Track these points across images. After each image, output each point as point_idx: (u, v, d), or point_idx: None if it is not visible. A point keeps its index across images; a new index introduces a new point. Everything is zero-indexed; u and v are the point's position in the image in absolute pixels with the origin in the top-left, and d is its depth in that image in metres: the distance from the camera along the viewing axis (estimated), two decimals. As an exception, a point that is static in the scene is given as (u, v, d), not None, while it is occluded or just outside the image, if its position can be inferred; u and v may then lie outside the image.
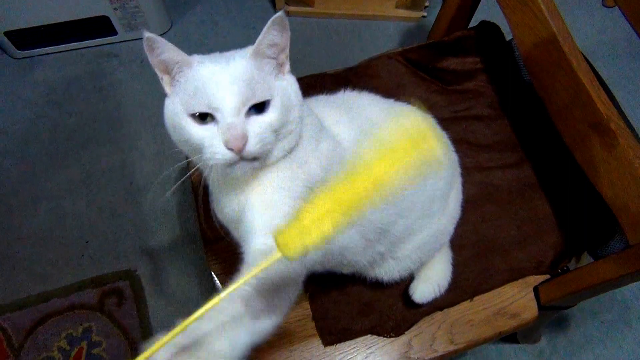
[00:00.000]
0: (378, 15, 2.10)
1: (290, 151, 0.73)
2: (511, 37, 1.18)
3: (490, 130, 1.23)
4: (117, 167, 1.77)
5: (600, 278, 0.93)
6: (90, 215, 1.69)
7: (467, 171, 1.16)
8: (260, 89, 0.67)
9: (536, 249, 1.10)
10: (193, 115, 0.67)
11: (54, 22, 1.88)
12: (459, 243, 1.08)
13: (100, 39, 2.00)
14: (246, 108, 0.66)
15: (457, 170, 1.04)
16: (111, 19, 1.91)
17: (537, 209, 1.14)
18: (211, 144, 0.66)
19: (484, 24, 1.30)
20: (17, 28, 1.86)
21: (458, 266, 1.07)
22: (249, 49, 0.69)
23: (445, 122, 1.19)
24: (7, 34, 1.87)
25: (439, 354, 1.01)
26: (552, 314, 1.26)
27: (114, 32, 1.97)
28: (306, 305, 1.04)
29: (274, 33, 0.67)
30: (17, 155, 1.80)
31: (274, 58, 0.70)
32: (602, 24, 2.13)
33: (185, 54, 0.69)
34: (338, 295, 1.04)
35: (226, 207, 0.75)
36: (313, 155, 0.75)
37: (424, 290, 1.00)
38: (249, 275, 0.51)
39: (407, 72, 1.27)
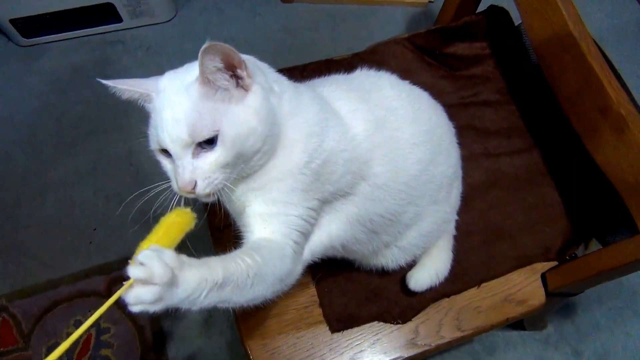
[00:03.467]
0: (385, 1, 2.08)
1: (271, 159, 0.72)
2: (520, 22, 1.17)
3: (498, 116, 1.22)
4: (123, 155, 1.77)
5: (608, 265, 0.92)
6: (97, 203, 1.70)
7: (475, 157, 1.16)
8: (206, 125, 0.64)
9: (544, 236, 1.09)
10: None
11: (59, 10, 1.87)
12: (466, 229, 1.08)
13: (105, 27, 1.99)
14: (192, 147, 0.65)
15: (460, 161, 1.03)
16: (116, 6, 1.90)
17: (545, 196, 1.13)
18: (172, 178, 0.70)
19: (493, 8, 1.28)
20: (22, 16, 1.86)
21: (465, 253, 1.06)
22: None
23: (453, 108, 1.18)
24: (13, 21, 1.86)
25: (446, 340, 1.01)
26: (560, 301, 1.26)
27: (119, 19, 1.96)
28: (313, 292, 1.04)
29: (209, 62, 0.63)
30: (24, 144, 1.80)
31: (226, 81, 0.66)
32: (612, 8, 2.09)
33: (149, 83, 0.70)
34: (345, 282, 1.04)
35: (231, 201, 0.75)
36: (311, 155, 0.73)
37: (420, 278, 1.00)
38: (106, 305, 0.55)
39: (414, 57, 1.26)
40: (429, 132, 0.88)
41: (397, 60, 1.25)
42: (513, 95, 1.25)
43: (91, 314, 0.54)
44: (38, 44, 1.99)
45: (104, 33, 2.01)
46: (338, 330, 1.01)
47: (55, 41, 1.99)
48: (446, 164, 0.92)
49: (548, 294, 1.05)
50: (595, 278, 0.98)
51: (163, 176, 0.73)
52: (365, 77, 0.90)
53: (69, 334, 1.53)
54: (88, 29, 1.99)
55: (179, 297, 0.57)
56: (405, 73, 1.22)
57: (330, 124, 0.75)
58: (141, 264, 0.54)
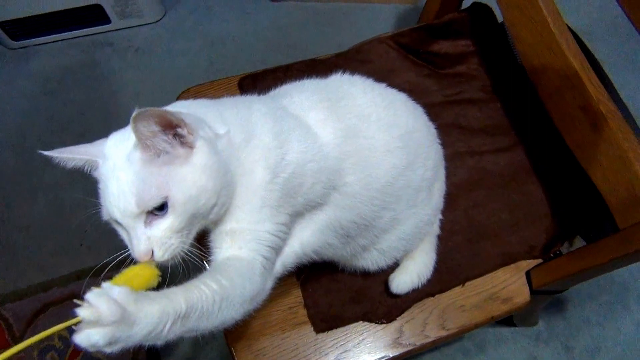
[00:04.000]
0: (373, -1, 2.07)
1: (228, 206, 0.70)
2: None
3: (482, 114, 1.22)
4: (113, 156, 1.77)
5: (591, 262, 0.92)
6: (88, 205, 1.69)
7: (459, 156, 1.15)
8: (153, 193, 0.62)
9: (528, 234, 1.09)
10: None
11: (47, 12, 1.87)
12: (450, 228, 1.08)
13: (94, 28, 1.99)
14: (143, 216, 0.63)
15: (442, 162, 1.03)
16: (104, 7, 1.90)
17: (530, 193, 1.13)
18: (130, 249, 0.67)
19: (476, 5, 1.28)
20: (11, 18, 1.86)
21: (449, 252, 1.06)
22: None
23: (437, 107, 1.18)
24: (1, 24, 1.87)
25: (431, 339, 1.01)
26: (545, 299, 1.26)
27: (107, 20, 1.96)
28: (298, 292, 1.04)
29: (144, 128, 0.60)
30: (15, 145, 1.80)
31: (167, 143, 0.63)
32: (601, 2, 2.09)
33: (94, 149, 0.68)
34: (329, 282, 1.04)
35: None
36: (274, 170, 0.71)
37: (401, 281, 0.99)
38: (43, 334, 0.53)
39: (398, 56, 1.26)
40: (405, 137, 0.86)
41: (381, 59, 1.25)
42: (497, 93, 1.25)
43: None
44: (27, 46, 1.99)
45: (93, 34, 2.01)
46: (323, 331, 1.01)
47: (45, 43, 1.99)
48: (424, 167, 0.91)
49: (533, 291, 1.05)
50: (579, 275, 0.97)
51: (123, 245, 0.70)
52: (338, 84, 0.88)
53: (61, 336, 1.52)
54: (77, 31, 1.98)
55: (140, 335, 0.54)
56: (389, 72, 1.23)
57: (291, 136, 0.73)
58: (88, 303, 0.51)
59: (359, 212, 0.83)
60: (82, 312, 0.50)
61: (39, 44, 1.99)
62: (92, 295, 0.51)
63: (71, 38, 2.00)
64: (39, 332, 1.49)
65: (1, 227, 1.67)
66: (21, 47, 1.99)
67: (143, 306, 0.54)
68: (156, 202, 0.62)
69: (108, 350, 0.52)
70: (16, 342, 1.46)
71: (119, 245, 1.68)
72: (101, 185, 0.67)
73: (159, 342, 0.57)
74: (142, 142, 0.61)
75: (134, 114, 0.57)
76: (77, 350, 1.47)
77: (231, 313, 0.66)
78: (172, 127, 0.62)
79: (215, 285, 0.63)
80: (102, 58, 1.97)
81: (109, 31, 2.01)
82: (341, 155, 0.78)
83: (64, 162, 0.68)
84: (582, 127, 0.92)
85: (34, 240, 1.65)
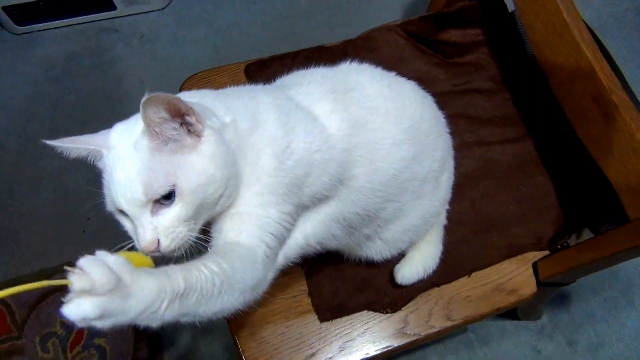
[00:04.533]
0: (382, -13, 2.05)
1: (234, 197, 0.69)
2: (514, 8, 1.15)
3: (491, 104, 1.20)
4: (117, 144, 1.76)
5: (599, 254, 0.91)
6: (91, 192, 1.69)
7: (467, 146, 1.14)
8: (161, 181, 0.61)
9: (536, 225, 1.08)
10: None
11: (52, -3, 1.86)
12: (457, 219, 1.07)
13: (100, 14, 1.97)
14: (150, 205, 0.62)
15: (450, 152, 1.02)
16: (110, -7, 1.88)
17: (538, 185, 1.12)
18: (135, 239, 0.65)
19: (487, -6, 1.26)
20: (15, 3, 1.84)
21: (455, 242, 1.05)
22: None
23: (445, 96, 1.17)
24: (5, 9, 1.85)
25: (436, 329, 1.01)
26: (552, 291, 1.25)
27: (112, 7, 1.94)
28: (302, 281, 1.03)
29: (153, 114, 0.59)
30: (18, 132, 1.79)
31: (175, 131, 0.62)
32: (612, -5, 2.07)
33: (98, 139, 0.66)
34: (334, 271, 1.04)
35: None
36: (279, 158, 0.70)
37: (406, 272, 0.99)
38: (33, 285, 0.48)
39: (407, 45, 1.24)
40: (412, 129, 0.85)
41: (390, 48, 1.24)
42: (506, 83, 1.23)
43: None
44: (32, 32, 1.97)
45: (99, 21, 1.99)
46: (327, 320, 1.00)
47: (50, 29, 1.98)
48: (432, 158, 0.90)
49: (539, 283, 1.04)
50: (586, 267, 0.97)
51: (126, 235, 0.69)
52: (347, 74, 0.86)
53: (62, 323, 1.52)
54: (82, 17, 1.97)
55: (134, 310, 0.50)
56: (397, 60, 1.22)
57: (296, 125, 0.72)
58: (81, 270, 0.47)
59: (361, 204, 0.82)
60: (74, 278, 0.46)
61: (44, 30, 1.97)
62: (85, 261, 0.47)
63: (76, 24, 1.98)
64: (42, 319, 1.48)
65: (4, 214, 1.66)
66: (26, 33, 1.97)
67: (140, 279, 0.51)
68: (164, 190, 0.61)
69: (99, 325, 0.48)
70: (18, 329, 1.47)
71: (122, 233, 1.68)
72: (106, 175, 0.66)
73: (154, 324, 0.54)
74: (151, 129, 0.60)
75: (144, 99, 0.56)
76: (79, 337, 1.47)
77: (231, 300, 0.63)
78: (180, 115, 0.61)
79: (216, 267, 0.61)
80: (107, 45, 1.96)
81: (114, 17, 1.99)
82: (348, 147, 0.77)
83: (67, 152, 0.66)
84: (593, 118, 0.91)
85: (37, 227, 1.64)
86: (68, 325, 1.48)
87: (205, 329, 1.49)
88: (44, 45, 1.96)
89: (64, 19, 1.96)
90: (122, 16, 1.99)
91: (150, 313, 0.52)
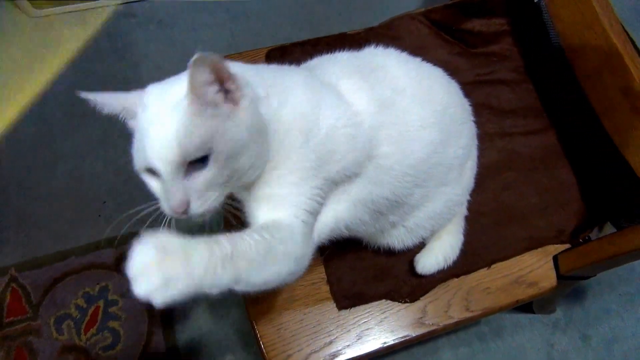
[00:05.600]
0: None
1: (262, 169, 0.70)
2: (540, -2, 1.13)
3: (514, 95, 1.19)
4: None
5: (622, 249, 0.91)
6: (108, 176, 1.70)
7: (489, 137, 1.13)
8: (198, 144, 0.61)
9: (557, 218, 1.07)
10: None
11: (70, -20, 1.85)
12: (478, 210, 1.06)
13: (117, -1, 1.97)
14: (183, 167, 0.62)
15: (474, 141, 1.01)
16: (128, -23, 1.88)
17: (560, 177, 1.11)
18: (162, 199, 0.66)
19: (512, -17, 1.25)
20: (33, -14, 1.84)
21: (476, 233, 1.05)
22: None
23: (468, 86, 1.15)
24: (24, -8, 1.85)
25: (454, 320, 1.00)
26: (571, 284, 1.24)
27: (131, -9, 1.94)
28: (321, 268, 1.03)
29: (199, 75, 0.59)
30: (35, 115, 1.80)
31: (216, 95, 0.62)
32: (634, -12, 2.04)
33: (132, 97, 0.67)
34: (353, 259, 1.04)
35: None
36: (307, 135, 0.71)
37: (427, 261, 0.99)
38: None
39: (430, 33, 1.23)
40: (439, 113, 0.85)
41: (412, 36, 1.23)
42: (530, 74, 1.22)
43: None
44: (49, 15, 1.97)
45: (117, 5, 1.99)
46: (345, 308, 1.00)
47: (67, 12, 1.97)
48: (457, 145, 0.89)
49: (559, 276, 1.04)
50: (608, 262, 0.96)
51: (152, 197, 0.69)
52: (372, 56, 0.87)
53: (77, 305, 1.54)
54: (100, 1, 1.96)
55: (197, 272, 0.54)
56: (420, 49, 1.20)
57: (323, 102, 0.73)
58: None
59: (391, 187, 0.82)
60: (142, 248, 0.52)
61: (61, 13, 1.97)
62: (146, 234, 0.53)
63: (94, 8, 1.98)
64: (57, 301, 1.49)
65: (21, 196, 1.67)
66: (44, 16, 1.97)
67: (191, 244, 0.55)
68: (200, 153, 0.61)
69: (169, 294, 0.52)
70: (33, 310, 1.48)
71: (137, 218, 1.69)
72: (138, 135, 0.66)
73: (215, 290, 0.57)
74: (194, 91, 0.60)
75: (195, 58, 0.57)
76: (94, 320, 1.48)
77: (276, 269, 0.65)
78: (222, 80, 0.62)
79: (258, 236, 0.63)
80: (124, 29, 1.95)
81: (132, 1, 1.99)
82: (376, 124, 0.77)
83: (101, 107, 0.68)
84: (621, 110, 0.90)
85: (53, 210, 1.65)
86: (82, 308, 1.49)
87: (219, 313, 1.49)
88: (61, 29, 1.96)
89: (81, 2, 1.95)
90: (139, 1, 1.99)
91: (209, 278, 0.55)
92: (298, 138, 0.70)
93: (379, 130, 0.78)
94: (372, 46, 0.90)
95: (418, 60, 0.92)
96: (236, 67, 0.69)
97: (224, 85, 0.63)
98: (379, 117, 0.78)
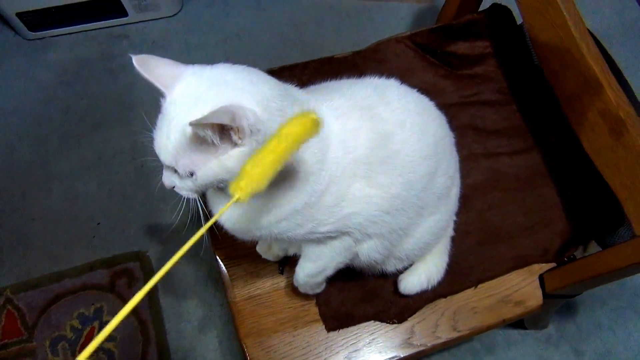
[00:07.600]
0: (390, -4, 2.06)
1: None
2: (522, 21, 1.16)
3: (498, 116, 1.21)
4: (127, 149, 1.78)
5: (606, 268, 0.92)
6: (102, 197, 1.71)
7: (475, 157, 1.15)
8: (185, 165, 0.68)
9: (542, 237, 1.09)
10: None
11: (65, 3, 1.87)
12: (464, 230, 1.08)
13: (111, 21, 1.99)
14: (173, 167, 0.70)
15: (458, 169, 1.02)
16: (122, 0, 1.90)
17: (545, 197, 1.13)
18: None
19: (495, 7, 1.27)
20: (29, 9, 1.86)
21: (462, 253, 1.06)
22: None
23: (453, 108, 1.18)
24: (19, 15, 1.87)
25: (442, 340, 1.01)
26: (558, 302, 1.25)
27: (124, 13, 1.96)
28: (310, 290, 1.04)
29: (216, 118, 0.60)
30: (30, 136, 1.81)
31: (216, 135, 0.63)
32: (621, 5, 2.07)
33: (170, 76, 0.69)
34: (342, 281, 1.05)
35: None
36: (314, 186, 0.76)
37: (410, 282, 1.01)
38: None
39: (415, 56, 1.25)
40: (435, 145, 0.87)
41: (399, 59, 1.25)
42: (514, 95, 1.24)
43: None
44: (44, 38, 1.99)
45: (110, 27, 2.01)
46: (334, 329, 1.01)
47: (62, 35, 2.00)
48: (446, 174, 0.91)
49: (545, 295, 1.05)
50: (593, 280, 0.97)
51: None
52: (372, 90, 0.85)
53: (72, 327, 1.54)
54: (94, 23, 1.99)
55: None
56: (406, 72, 1.23)
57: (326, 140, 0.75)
58: None
59: (400, 220, 0.85)
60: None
61: (56, 36, 1.99)
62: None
63: (88, 30, 2.00)
64: (52, 322, 1.50)
65: (16, 217, 1.68)
66: (38, 39, 1.99)
67: None
68: (184, 171, 0.69)
69: None
70: (29, 331, 1.49)
71: (130, 240, 1.68)
72: (160, 117, 0.70)
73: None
74: (201, 128, 0.61)
75: (219, 108, 0.61)
76: (88, 341, 1.49)
77: None
78: (230, 129, 0.63)
79: None
80: (118, 51, 1.97)
81: (126, 24, 2.01)
82: (371, 160, 0.79)
83: (141, 75, 0.70)
84: (600, 132, 0.92)
85: (48, 231, 1.66)
86: (77, 329, 1.50)
87: (212, 335, 1.50)
88: (56, 51, 1.98)
89: (76, 25, 1.98)
90: (133, 22, 2.01)
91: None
92: (306, 172, 0.75)
93: (374, 166, 0.79)
94: (375, 77, 0.90)
95: (414, 92, 0.92)
96: (261, 83, 0.72)
97: (231, 130, 0.63)
98: (377, 152, 0.79)
